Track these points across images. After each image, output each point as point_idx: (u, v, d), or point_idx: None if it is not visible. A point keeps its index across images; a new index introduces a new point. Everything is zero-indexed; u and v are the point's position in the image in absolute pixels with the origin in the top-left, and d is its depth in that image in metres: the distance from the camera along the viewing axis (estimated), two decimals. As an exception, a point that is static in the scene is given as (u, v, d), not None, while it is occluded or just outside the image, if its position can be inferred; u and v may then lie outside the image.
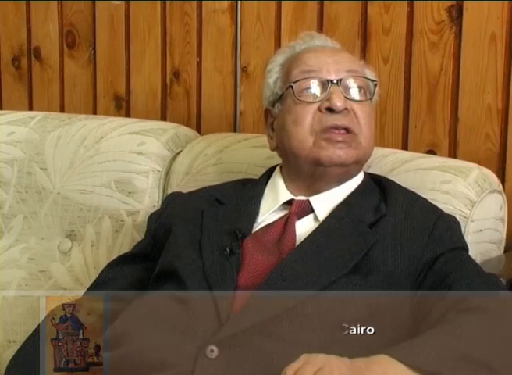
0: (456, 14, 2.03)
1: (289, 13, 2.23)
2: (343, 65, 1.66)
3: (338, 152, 1.62)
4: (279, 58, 1.74)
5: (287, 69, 1.69)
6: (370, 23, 2.13)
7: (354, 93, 1.65)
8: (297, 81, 1.65)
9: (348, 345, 1.46)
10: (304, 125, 1.63)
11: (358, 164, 1.67)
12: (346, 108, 1.62)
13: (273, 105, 1.71)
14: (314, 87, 1.64)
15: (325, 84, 1.64)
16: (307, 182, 1.67)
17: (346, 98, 1.63)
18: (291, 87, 1.65)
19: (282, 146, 1.69)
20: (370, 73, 1.73)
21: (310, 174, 1.66)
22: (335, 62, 1.66)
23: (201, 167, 2.00)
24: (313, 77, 1.64)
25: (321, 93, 1.64)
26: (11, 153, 2.18)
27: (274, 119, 1.72)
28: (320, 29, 2.19)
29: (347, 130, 1.63)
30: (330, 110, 1.62)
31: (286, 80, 1.68)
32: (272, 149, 1.73)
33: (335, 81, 1.63)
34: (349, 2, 2.15)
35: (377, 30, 2.12)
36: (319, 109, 1.63)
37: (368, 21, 2.13)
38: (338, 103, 1.61)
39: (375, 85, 1.69)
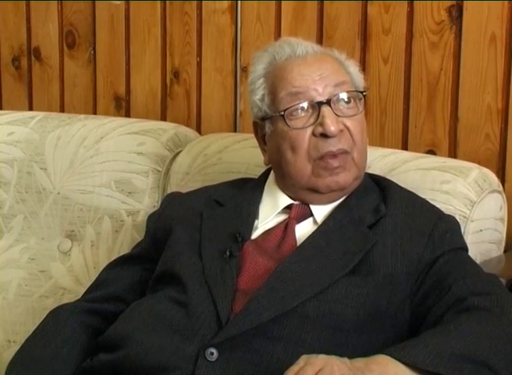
0: (456, 14, 2.03)
1: (289, 13, 2.23)
2: (329, 79, 1.62)
3: (335, 179, 1.61)
4: (260, 68, 1.68)
5: (272, 86, 1.65)
6: (370, 23, 2.13)
7: (345, 108, 1.62)
8: (287, 109, 1.61)
9: (348, 346, 1.46)
10: (301, 152, 1.60)
11: (356, 180, 1.65)
12: (340, 130, 1.59)
13: (262, 120, 1.67)
14: (305, 111, 1.61)
15: (315, 107, 1.60)
16: (304, 199, 1.66)
17: (337, 115, 1.60)
18: (282, 115, 1.61)
19: (277, 167, 1.67)
20: (355, 70, 1.69)
21: (305, 197, 1.65)
22: (321, 77, 1.61)
23: (201, 167, 2.00)
24: (302, 100, 1.60)
25: (312, 114, 1.60)
26: (11, 153, 2.18)
27: (265, 134, 1.68)
28: (320, 29, 2.19)
29: (343, 153, 1.60)
30: (325, 135, 1.59)
31: (274, 100, 1.63)
32: (266, 164, 1.71)
33: (324, 101, 1.60)
34: (349, 2, 2.15)
35: (377, 30, 2.12)
36: (313, 134, 1.60)
37: (368, 21, 2.13)
38: (331, 127, 1.58)
39: (364, 95, 1.66)
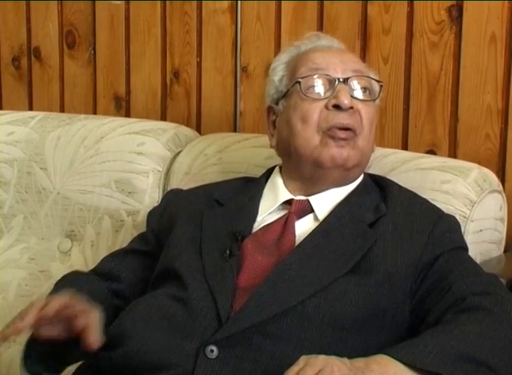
0: (456, 14, 2.03)
1: (289, 13, 2.23)
2: (350, 65, 1.66)
3: (340, 150, 1.62)
4: (284, 57, 1.74)
5: (293, 67, 1.70)
6: (370, 23, 2.13)
7: (360, 93, 1.66)
8: (305, 77, 1.65)
9: (348, 344, 1.46)
10: (311, 122, 1.63)
11: (359, 167, 1.67)
12: (351, 107, 1.62)
13: (276, 103, 1.71)
14: (321, 85, 1.64)
15: (332, 82, 1.64)
16: (307, 183, 1.67)
17: (352, 97, 1.63)
18: (298, 82, 1.65)
19: (284, 144, 1.68)
20: (374, 75, 1.73)
21: (309, 176, 1.66)
22: (341, 61, 1.66)
23: (201, 167, 2.00)
24: (320, 74, 1.65)
25: (328, 90, 1.64)
26: (11, 153, 2.18)
27: (276, 116, 1.71)
28: (320, 29, 2.19)
29: (351, 130, 1.63)
30: (337, 107, 1.62)
31: (293, 77, 1.68)
32: (272, 146, 1.73)
33: (342, 79, 1.63)
34: (349, 2, 2.15)
35: (377, 30, 2.12)
36: (326, 107, 1.63)
37: (368, 21, 2.13)
38: (345, 101, 1.61)
39: (381, 86, 1.70)
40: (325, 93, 1.64)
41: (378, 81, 1.70)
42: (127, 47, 2.48)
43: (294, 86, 1.66)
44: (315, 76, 1.65)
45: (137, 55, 2.47)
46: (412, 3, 2.08)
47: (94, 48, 2.54)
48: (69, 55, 2.59)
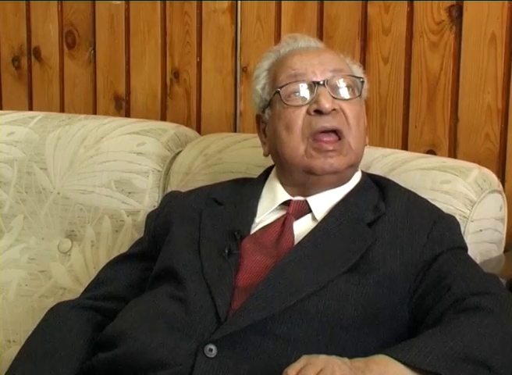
0: (456, 14, 2.03)
1: (289, 13, 2.23)
2: (328, 65, 1.65)
3: (329, 161, 1.62)
4: (265, 64, 1.73)
5: (274, 74, 1.69)
6: (370, 23, 2.13)
7: (342, 92, 1.65)
8: (284, 86, 1.64)
9: (347, 344, 1.46)
10: (295, 130, 1.62)
11: (352, 167, 1.67)
12: (334, 109, 1.62)
13: (263, 111, 1.71)
14: (302, 90, 1.64)
15: (311, 86, 1.63)
16: (302, 188, 1.67)
17: (334, 97, 1.63)
18: (278, 92, 1.65)
19: (275, 152, 1.69)
20: (357, 70, 1.72)
21: (303, 182, 1.66)
22: (320, 63, 1.65)
23: (201, 167, 2.00)
24: (299, 80, 1.64)
25: (309, 95, 1.63)
26: (11, 153, 2.18)
27: (265, 124, 1.72)
28: (320, 29, 2.19)
29: (336, 133, 1.62)
30: (319, 112, 1.61)
31: (273, 85, 1.68)
32: (266, 155, 1.73)
33: (321, 82, 1.63)
34: (349, 2, 2.15)
35: (377, 30, 2.12)
36: (308, 112, 1.62)
37: (367, 21, 2.13)
38: (326, 104, 1.60)
39: (362, 82, 1.69)
40: (306, 98, 1.63)
41: (358, 77, 1.69)
42: (127, 47, 2.48)
43: (275, 95, 1.66)
44: (294, 83, 1.64)
45: (137, 55, 2.47)
46: (412, 3, 2.08)
47: (94, 48, 2.54)
48: (69, 55, 2.59)
